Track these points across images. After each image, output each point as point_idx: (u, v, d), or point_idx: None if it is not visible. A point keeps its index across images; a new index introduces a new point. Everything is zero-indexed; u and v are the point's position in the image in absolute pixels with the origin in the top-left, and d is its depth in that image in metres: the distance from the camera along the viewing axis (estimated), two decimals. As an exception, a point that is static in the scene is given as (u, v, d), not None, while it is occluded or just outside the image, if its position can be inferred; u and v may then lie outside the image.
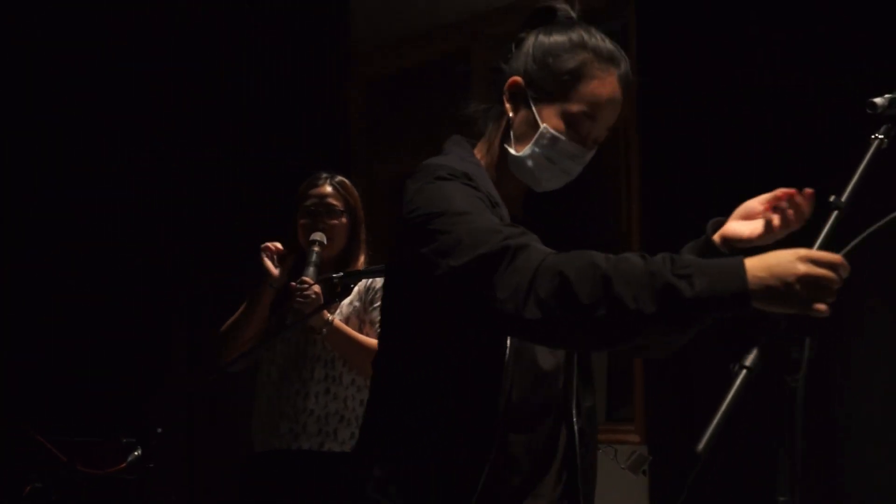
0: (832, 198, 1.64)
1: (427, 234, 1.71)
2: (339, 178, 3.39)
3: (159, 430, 2.71)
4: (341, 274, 3.04)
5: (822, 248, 1.57)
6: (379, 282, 3.22)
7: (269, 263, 3.27)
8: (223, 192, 5.09)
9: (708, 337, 3.57)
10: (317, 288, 3.08)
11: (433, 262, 1.69)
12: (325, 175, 3.38)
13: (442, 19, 4.85)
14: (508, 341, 1.80)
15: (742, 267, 1.51)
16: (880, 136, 1.70)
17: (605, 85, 1.87)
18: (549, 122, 1.87)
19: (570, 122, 1.87)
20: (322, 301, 3.08)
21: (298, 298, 3.08)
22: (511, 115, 1.91)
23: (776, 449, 1.55)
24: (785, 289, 1.49)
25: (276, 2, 5.16)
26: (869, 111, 1.72)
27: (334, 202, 3.32)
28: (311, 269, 3.14)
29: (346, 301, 3.25)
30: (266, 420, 3.25)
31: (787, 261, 1.50)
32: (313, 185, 3.35)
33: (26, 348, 4.73)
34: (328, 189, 3.34)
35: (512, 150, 1.90)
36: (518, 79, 1.90)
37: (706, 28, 3.66)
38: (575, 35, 1.89)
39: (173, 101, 5.12)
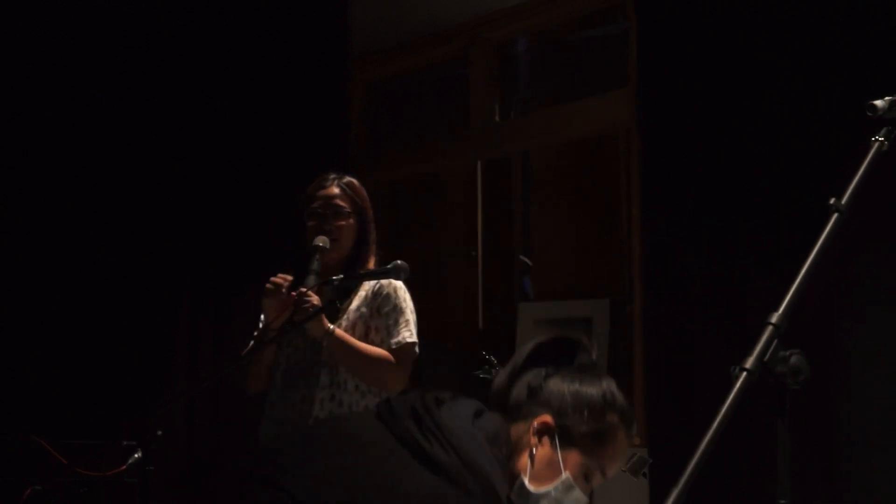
0: (832, 200, 1.65)
1: None
2: (347, 178, 3.37)
3: (160, 432, 2.70)
4: (341, 277, 3.03)
5: (822, 250, 1.58)
6: (387, 287, 3.20)
7: (268, 309, 3.21)
8: (225, 196, 5.09)
9: (708, 340, 3.59)
10: (315, 299, 3.06)
11: None
12: (332, 176, 3.36)
13: (441, 24, 4.86)
14: None
15: None
16: (881, 139, 1.70)
17: (625, 447, 1.95)
18: (571, 471, 1.91)
19: (587, 475, 1.94)
20: (320, 307, 3.04)
21: (299, 309, 3.04)
22: (534, 449, 1.92)
23: (776, 451, 1.55)
24: None
25: (277, 6, 5.17)
26: (869, 114, 1.73)
27: (341, 203, 3.30)
28: (310, 278, 3.10)
29: (353, 307, 3.23)
30: (272, 425, 3.24)
31: None
32: (320, 186, 3.34)
33: (26, 351, 4.73)
34: (335, 190, 3.32)
35: (527, 482, 1.91)
36: (549, 419, 1.92)
37: (707, 32, 3.66)
38: (607, 389, 1.95)
39: (174, 104, 5.12)
